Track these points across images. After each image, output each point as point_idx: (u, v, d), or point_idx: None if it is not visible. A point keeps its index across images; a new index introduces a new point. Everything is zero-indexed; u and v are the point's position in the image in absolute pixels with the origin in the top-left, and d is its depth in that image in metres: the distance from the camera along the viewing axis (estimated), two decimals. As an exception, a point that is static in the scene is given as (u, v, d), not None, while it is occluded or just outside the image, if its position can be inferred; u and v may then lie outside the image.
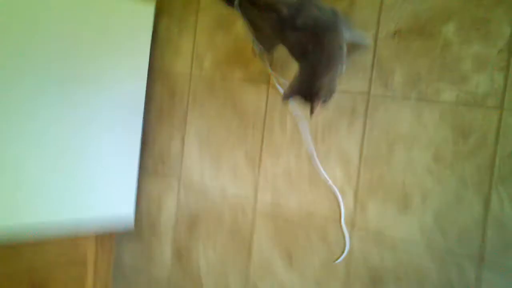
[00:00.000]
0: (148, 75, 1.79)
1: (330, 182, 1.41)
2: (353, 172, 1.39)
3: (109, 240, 1.93)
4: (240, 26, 1.60)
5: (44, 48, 1.48)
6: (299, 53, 1.24)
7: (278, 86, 1.50)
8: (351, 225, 1.39)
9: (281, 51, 1.33)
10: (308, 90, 1.20)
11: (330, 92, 1.21)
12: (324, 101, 1.21)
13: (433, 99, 1.26)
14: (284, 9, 1.21)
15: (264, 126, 1.56)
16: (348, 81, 1.38)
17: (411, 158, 1.29)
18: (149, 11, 1.74)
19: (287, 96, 1.25)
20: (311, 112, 1.22)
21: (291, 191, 1.50)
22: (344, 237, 1.40)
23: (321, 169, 1.43)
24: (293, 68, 1.29)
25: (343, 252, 1.40)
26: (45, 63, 1.48)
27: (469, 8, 1.22)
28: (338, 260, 1.41)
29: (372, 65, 1.35)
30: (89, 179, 1.65)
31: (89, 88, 1.60)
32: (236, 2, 1.29)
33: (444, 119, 1.25)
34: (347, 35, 1.21)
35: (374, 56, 1.35)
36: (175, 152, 1.78)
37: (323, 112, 1.43)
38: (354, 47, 1.31)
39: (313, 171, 1.45)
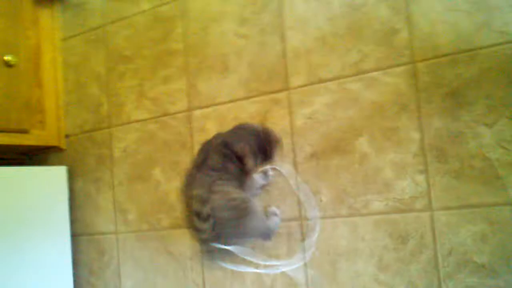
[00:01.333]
0: (72, 237, 1.70)
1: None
2: (303, 296, 1.35)
3: None
4: (158, 173, 1.58)
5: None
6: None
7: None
8: None
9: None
10: None
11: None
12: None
13: (364, 212, 1.26)
14: None
15: (203, 267, 1.50)
16: (278, 208, 1.37)
17: (357, 272, 1.27)
18: (62, 174, 1.68)
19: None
20: None
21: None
22: None
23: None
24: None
25: None
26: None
27: (376, 120, 1.25)
28: None
29: (298, 189, 1.35)
30: None
31: (9, 255, 1.48)
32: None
33: (380, 228, 1.25)
34: None
35: (297, 181, 1.35)
36: (114, 310, 1.66)
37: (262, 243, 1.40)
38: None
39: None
